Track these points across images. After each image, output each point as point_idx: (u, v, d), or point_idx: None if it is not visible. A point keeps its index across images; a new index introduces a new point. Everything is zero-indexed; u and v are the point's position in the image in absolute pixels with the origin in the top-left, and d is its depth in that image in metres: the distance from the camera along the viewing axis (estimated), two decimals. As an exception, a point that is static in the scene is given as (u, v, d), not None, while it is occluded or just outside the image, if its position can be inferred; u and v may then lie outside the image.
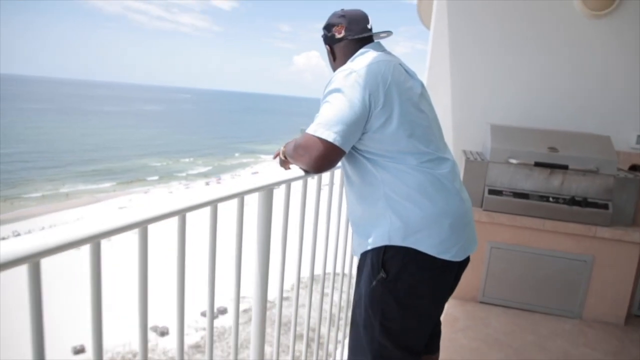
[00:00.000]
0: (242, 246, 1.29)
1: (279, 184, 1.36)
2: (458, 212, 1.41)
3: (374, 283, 1.41)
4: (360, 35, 1.55)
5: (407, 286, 1.39)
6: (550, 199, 2.84)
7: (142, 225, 0.88)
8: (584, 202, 2.79)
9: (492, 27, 3.58)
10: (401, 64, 1.49)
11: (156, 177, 53.71)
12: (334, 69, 1.60)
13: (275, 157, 1.67)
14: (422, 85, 1.52)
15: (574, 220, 2.82)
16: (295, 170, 1.43)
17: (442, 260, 1.37)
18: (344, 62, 1.52)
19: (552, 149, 2.86)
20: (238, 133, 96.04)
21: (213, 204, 1.11)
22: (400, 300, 1.40)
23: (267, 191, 1.34)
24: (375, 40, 1.58)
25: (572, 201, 2.80)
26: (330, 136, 1.30)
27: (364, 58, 1.43)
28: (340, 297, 2.10)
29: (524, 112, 3.55)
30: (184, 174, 56.32)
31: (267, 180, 1.30)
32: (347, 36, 1.55)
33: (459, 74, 3.67)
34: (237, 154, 71.12)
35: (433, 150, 1.42)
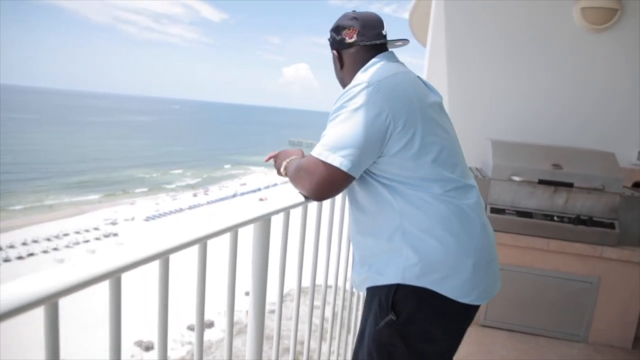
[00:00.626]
0: (235, 278, 1.14)
1: (277, 212, 1.20)
2: (483, 250, 1.25)
3: (381, 325, 1.25)
4: (374, 42, 1.37)
5: (421, 330, 1.23)
6: (555, 218, 2.74)
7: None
8: (589, 221, 2.69)
9: (491, 41, 3.50)
10: (419, 77, 1.35)
11: (144, 189, 53.13)
12: (341, 78, 1.45)
13: (267, 160, 1.54)
14: (442, 100, 1.38)
15: (579, 240, 2.71)
16: (295, 195, 1.28)
17: (462, 304, 1.21)
18: (352, 71, 1.37)
19: (556, 166, 2.76)
20: (227, 144, 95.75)
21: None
22: (411, 344, 1.24)
23: (264, 221, 1.19)
24: (389, 49, 1.42)
25: (578, 220, 2.70)
26: (336, 160, 1.15)
27: (379, 69, 1.26)
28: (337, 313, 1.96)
29: (524, 127, 3.46)
30: (172, 186, 55.80)
31: (263, 210, 1.14)
32: (359, 42, 1.37)
33: (457, 87, 3.58)
34: (226, 166, 70.78)
35: (458, 176, 1.26)
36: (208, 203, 48.77)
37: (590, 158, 2.85)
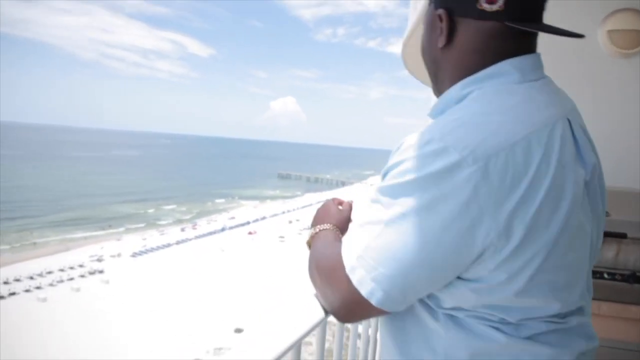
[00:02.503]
0: None
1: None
2: None
3: None
4: (528, 27, 0.74)
5: None
6: (605, 275, 2.31)
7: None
8: (631, 278, 2.26)
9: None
10: (570, 120, 0.76)
11: (134, 225, 52.21)
12: (434, 61, 0.83)
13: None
14: (595, 164, 0.79)
15: (635, 302, 2.27)
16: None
17: None
18: (462, 65, 0.78)
19: (602, 212, 2.34)
20: (216, 178, 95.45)
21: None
22: None
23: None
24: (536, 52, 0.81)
25: (633, 278, 2.27)
26: (365, 286, 0.69)
27: (508, 110, 0.69)
28: None
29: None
30: (162, 222, 54.95)
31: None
32: (504, 15, 0.72)
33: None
34: (215, 200, 70.15)
35: (568, 305, 0.74)
36: (196, 237, 47.98)
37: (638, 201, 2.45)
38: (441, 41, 0.79)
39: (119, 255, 40.95)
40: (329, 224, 0.98)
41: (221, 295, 32.14)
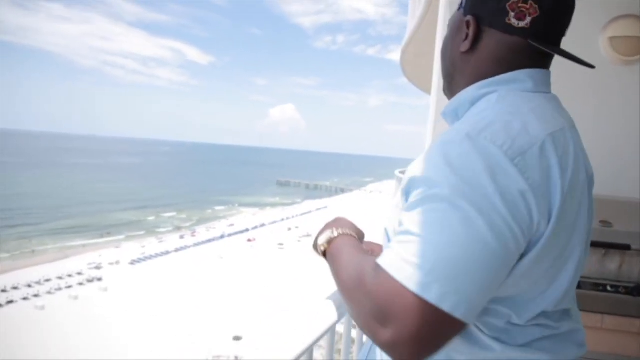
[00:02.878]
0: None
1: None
2: None
3: None
4: (547, 48, 0.80)
5: None
6: (609, 288, 2.23)
7: None
8: (636, 290, 2.19)
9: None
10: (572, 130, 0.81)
11: (133, 233, 52.07)
12: (453, 63, 0.89)
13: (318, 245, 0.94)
14: (592, 176, 0.89)
15: (625, 314, 2.21)
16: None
17: None
18: (479, 71, 0.83)
19: (605, 223, 2.27)
20: (215, 185, 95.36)
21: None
22: None
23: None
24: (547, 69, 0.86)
25: (637, 290, 2.20)
26: (449, 301, 0.61)
27: (531, 114, 0.73)
28: None
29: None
30: (161, 229, 54.80)
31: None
32: (531, 34, 0.78)
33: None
34: (214, 207, 70.03)
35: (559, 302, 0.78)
36: (195, 245, 47.83)
37: (641, 211, 2.38)
38: (465, 46, 0.84)
39: (117, 262, 40.78)
40: (349, 229, 0.90)
41: (220, 303, 31.97)
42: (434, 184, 0.67)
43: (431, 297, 0.61)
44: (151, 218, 60.06)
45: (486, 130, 0.69)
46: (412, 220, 0.66)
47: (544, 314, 0.77)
